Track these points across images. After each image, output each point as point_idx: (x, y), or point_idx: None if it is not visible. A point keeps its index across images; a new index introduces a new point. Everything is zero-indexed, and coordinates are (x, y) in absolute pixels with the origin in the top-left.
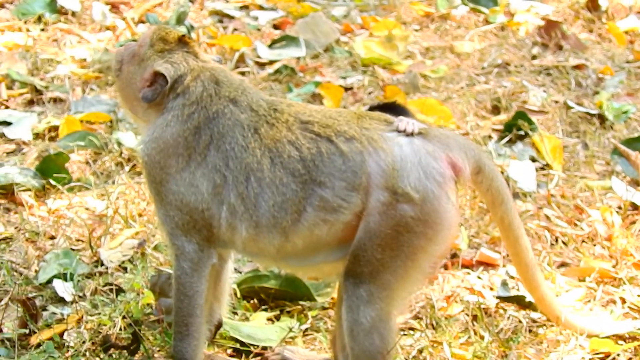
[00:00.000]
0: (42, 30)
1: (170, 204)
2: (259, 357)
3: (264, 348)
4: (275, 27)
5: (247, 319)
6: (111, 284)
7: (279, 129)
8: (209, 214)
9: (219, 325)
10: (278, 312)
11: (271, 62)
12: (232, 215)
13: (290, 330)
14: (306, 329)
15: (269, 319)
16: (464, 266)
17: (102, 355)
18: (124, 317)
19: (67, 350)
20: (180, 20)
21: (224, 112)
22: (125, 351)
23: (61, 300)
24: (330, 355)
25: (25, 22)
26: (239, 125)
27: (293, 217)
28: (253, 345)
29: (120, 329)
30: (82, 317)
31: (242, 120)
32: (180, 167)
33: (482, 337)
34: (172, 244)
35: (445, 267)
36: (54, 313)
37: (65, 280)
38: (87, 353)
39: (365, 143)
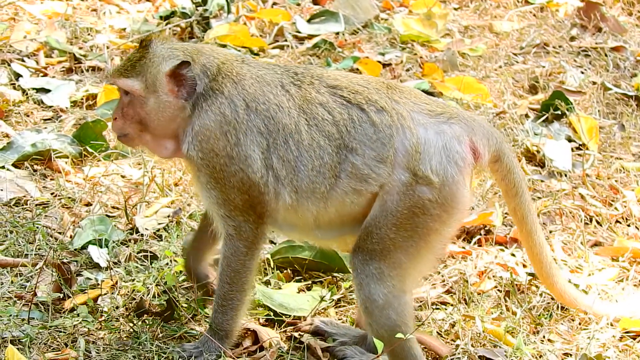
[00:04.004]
0: (83, 0)
1: (233, 187)
2: (291, 327)
3: (297, 318)
4: (315, 2)
5: (280, 288)
6: (146, 251)
7: (308, 90)
8: (264, 183)
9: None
10: (310, 283)
11: (310, 37)
12: (276, 180)
13: (322, 299)
14: (339, 300)
15: (300, 290)
16: (498, 243)
17: (135, 321)
18: (157, 284)
19: (101, 315)
20: None
21: (243, 73)
22: (158, 317)
23: (96, 266)
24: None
25: None
26: (264, 83)
27: (330, 182)
28: (285, 314)
29: (154, 296)
30: (117, 283)
31: (264, 77)
32: (233, 142)
33: (514, 313)
34: (229, 225)
35: (479, 243)
36: (88, 278)
37: (100, 246)
38: (121, 318)
39: (395, 118)
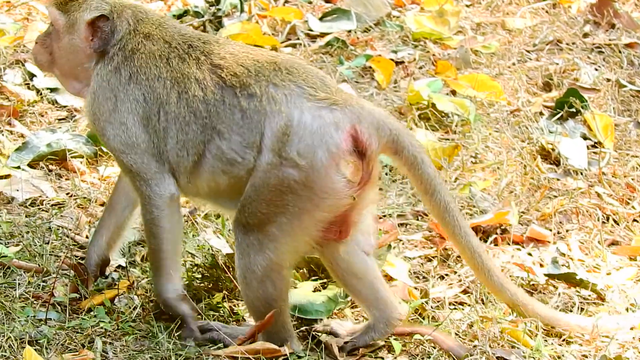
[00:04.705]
0: None
1: (116, 149)
2: (307, 327)
3: (313, 320)
4: (327, 0)
5: (295, 287)
6: None
7: (189, 64)
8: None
9: (106, 262)
10: (326, 281)
11: (322, 35)
12: (151, 148)
13: (332, 300)
14: (354, 300)
15: (316, 289)
16: (514, 242)
17: (152, 322)
18: None
19: (118, 316)
20: None
21: (138, 48)
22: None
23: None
24: None
25: None
26: (152, 57)
27: (194, 159)
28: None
29: None
30: (133, 282)
31: (154, 52)
32: (111, 109)
33: None
34: (140, 185)
35: (495, 242)
36: (105, 277)
37: None
38: (138, 319)
39: (264, 103)
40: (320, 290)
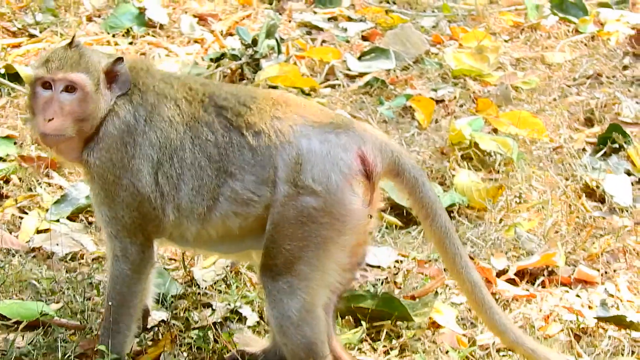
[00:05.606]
0: (131, 43)
1: (122, 202)
2: None
3: None
4: (364, 38)
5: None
6: (204, 303)
7: (197, 107)
8: (154, 198)
9: (147, 314)
10: (374, 333)
11: (361, 75)
12: (162, 196)
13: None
14: (403, 349)
15: (364, 340)
16: (562, 284)
17: None
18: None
19: None
20: (270, 33)
21: (147, 83)
22: None
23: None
24: None
25: (114, 36)
26: (163, 96)
27: (208, 205)
28: None
29: (214, 351)
30: (176, 337)
31: (165, 92)
32: (130, 154)
33: (579, 355)
34: (116, 246)
35: (543, 285)
36: (147, 331)
37: (159, 300)
38: None
39: (273, 137)
40: (370, 343)
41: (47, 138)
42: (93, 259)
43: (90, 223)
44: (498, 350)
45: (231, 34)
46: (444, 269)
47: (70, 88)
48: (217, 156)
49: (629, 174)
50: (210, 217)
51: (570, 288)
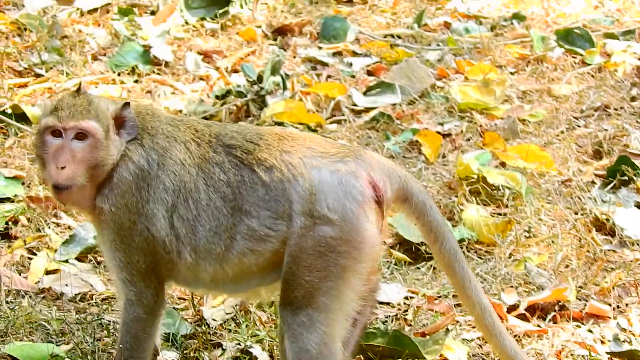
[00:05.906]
0: (136, 81)
1: (137, 248)
2: None
3: None
4: (370, 73)
5: None
6: (215, 343)
7: (206, 149)
8: (169, 241)
9: (156, 353)
10: None
11: (367, 110)
12: (177, 239)
13: None
14: None
15: None
16: (574, 319)
17: None
18: None
19: None
20: (275, 69)
21: (155, 126)
22: None
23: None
24: None
25: (119, 74)
26: (172, 139)
27: (226, 244)
28: None
29: None
30: None
31: (174, 135)
32: (145, 199)
33: None
34: (129, 290)
35: (554, 320)
36: None
37: (168, 339)
38: None
39: (284, 171)
40: None
41: (61, 193)
42: (102, 299)
43: (99, 263)
44: None
45: (236, 71)
46: (454, 296)
47: (80, 135)
48: (231, 195)
49: (639, 206)
50: (227, 256)
51: (582, 323)
